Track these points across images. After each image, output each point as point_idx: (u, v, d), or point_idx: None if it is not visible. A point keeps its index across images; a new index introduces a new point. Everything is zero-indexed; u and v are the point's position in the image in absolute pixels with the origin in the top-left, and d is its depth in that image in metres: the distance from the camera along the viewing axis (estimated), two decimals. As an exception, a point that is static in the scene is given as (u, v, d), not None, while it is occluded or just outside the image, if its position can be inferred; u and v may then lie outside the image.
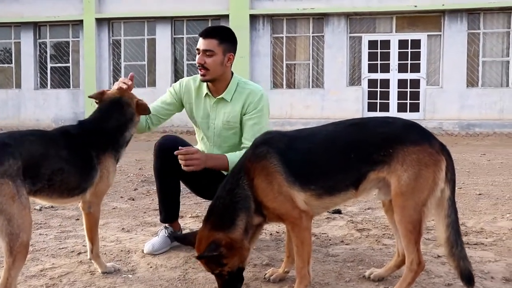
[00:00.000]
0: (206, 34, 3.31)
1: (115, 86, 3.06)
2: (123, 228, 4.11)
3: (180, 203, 3.63)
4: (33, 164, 2.38)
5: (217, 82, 3.39)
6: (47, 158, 2.49)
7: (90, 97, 3.04)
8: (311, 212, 2.55)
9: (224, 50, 3.32)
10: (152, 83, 17.30)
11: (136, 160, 8.86)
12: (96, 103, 3.01)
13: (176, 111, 3.60)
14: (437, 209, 2.51)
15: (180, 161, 3.15)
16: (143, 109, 3.06)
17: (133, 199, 5.40)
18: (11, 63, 18.70)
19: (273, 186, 2.48)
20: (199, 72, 3.33)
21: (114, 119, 2.91)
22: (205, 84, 3.45)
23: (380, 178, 2.51)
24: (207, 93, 3.45)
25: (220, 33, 3.34)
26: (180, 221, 3.72)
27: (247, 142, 3.26)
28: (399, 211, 2.45)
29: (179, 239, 2.90)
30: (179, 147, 3.14)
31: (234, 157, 3.18)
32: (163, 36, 17.45)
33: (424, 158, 2.43)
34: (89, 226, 2.92)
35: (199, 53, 3.32)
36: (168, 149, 3.31)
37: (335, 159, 2.54)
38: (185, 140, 3.47)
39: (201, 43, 3.30)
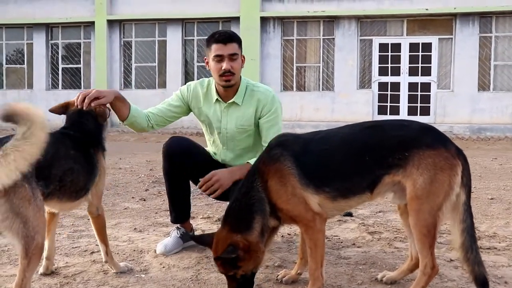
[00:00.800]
0: (228, 39, 3.28)
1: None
2: (135, 228, 4.13)
3: (192, 204, 3.64)
4: (45, 165, 2.37)
5: (231, 87, 3.39)
6: (58, 159, 2.51)
7: (51, 110, 2.97)
8: (325, 215, 2.55)
9: (241, 52, 3.37)
10: (163, 85, 17.36)
11: (147, 161, 8.92)
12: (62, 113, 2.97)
13: (183, 115, 3.58)
14: (453, 214, 2.49)
15: (205, 193, 3.25)
16: (101, 115, 3.01)
17: (144, 200, 5.42)
18: (23, 63, 18.86)
19: (286, 188, 2.48)
20: (224, 78, 3.29)
21: (91, 122, 2.91)
22: (213, 89, 3.44)
23: (395, 182, 2.50)
24: (217, 99, 3.43)
25: (237, 37, 3.36)
26: (191, 221, 3.73)
27: None
28: (414, 215, 2.44)
29: (195, 239, 2.90)
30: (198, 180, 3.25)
31: None
32: (173, 38, 17.52)
33: (440, 162, 2.42)
34: (99, 228, 2.95)
35: (220, 60, 3.28)
36: (176, 151, 3.37)
37: (350, 161, 2.53)
38: (193, 141, 3.49)
39: (225, 49, 3.26)
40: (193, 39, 17.49)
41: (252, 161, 3.16)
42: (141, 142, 14.21)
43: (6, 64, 19.07)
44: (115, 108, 3.22)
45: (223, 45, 3.26)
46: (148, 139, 14.56)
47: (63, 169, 2.52)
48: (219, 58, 3.27)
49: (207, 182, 3.19)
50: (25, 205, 2.20)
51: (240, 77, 3.44)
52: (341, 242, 3.72)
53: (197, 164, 3.41)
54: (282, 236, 3.88)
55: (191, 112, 3.61)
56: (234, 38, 3.32)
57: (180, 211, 3.52)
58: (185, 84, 3.62)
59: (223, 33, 3.32)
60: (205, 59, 3.44)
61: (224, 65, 3.26)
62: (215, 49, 3.28)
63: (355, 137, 2.59)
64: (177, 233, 3.51)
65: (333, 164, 2.54)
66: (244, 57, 3.43)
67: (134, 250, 3.48)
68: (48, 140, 2.46)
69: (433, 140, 2.49)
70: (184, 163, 3.37)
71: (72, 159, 2.60)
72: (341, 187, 2.52)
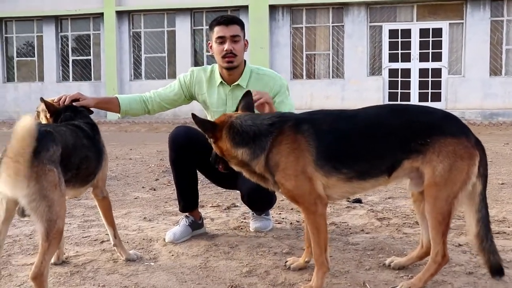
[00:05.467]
0: (229, 21, 3.36)
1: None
2: (145, 218, 4.15)
3: (201, 193, 3.70)
4: (67, 153, 2.47)
5: (235, 70, 3.43)
6: (76, 148, 2.60)
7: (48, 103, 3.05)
8: (326, 199, 2.53)
9: (243, 36, 3.42)
10: (173, 75, 17.39)
11: (157, 151, 8.99)
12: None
13: (182, 103, 3.63)
14: (468, 203, 2.51)
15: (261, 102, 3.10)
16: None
17: (154, 189, 5.44)
18: (34, 56, 18.98)
19: (298, 162, 2.46)
20: (227, 59, 3.35)
21: (88, 114, 3.08)
22: (217, 73, 3.49)
23: (413, 168, 2.49)
24: (221, 82, 3.47)
25: (239, 20, 3.43)
26: (200, 210, 3.74)
27: None
28: (431, 201, 2.44)
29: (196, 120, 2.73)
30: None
31: None
32: (182, 28, 17.52)
33: (460, 151, 2.42)
34: (105, 211, 3.02)
35: (222, 42, 3.35)
36: (181, 139, 3.40)
37: (373, 143, 2.51)
38: (198, 129, 3.51)
39: (227, 30, 3.33)
40: (202, 29, 17.47)
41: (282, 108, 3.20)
42: (152, 133, 14.27)
43: (17, 57, 19.20)
44: (103, 109, 3.49)
45: (224, 27, 3.33)
46: (159, 129, 14.62)
47: (80, 157, 2.63)
48: (221, 39, 3.34)
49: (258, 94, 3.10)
50: (52, 189, 2.27)
51: (245, 61, 3.48)
52: (350, 229, 3.72)
53: (203, 152, 3.33)
54: (291, 223, 3.91)
55: (190, 103, 3.67)
56: (236, 20, 3.39)
57: (188, 200, 3.54)
58: (194, 73, 3.67)
59: (225, 16, 3.41)
60: (209, 43, 3.50)
61: (226, 46, 3.32)
62: (217, 31, 3.36)
63: (381, 118, 2.56)
64: (186, 221, 3.54)
65: (357, 145, 2.52)
66: (247, 41, 3.49)
67: (144, 239, 3.51)
68: (65, 131, 2.61)
69: (456, 129, 2.49)
70: (190, 152, 3.39)
71: (86, 147, 2.70)
72: (360, 169, 2.51)
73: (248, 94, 2.83)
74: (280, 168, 2.47)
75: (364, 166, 2.51)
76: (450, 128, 2.47)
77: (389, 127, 2.51)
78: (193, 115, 2.59)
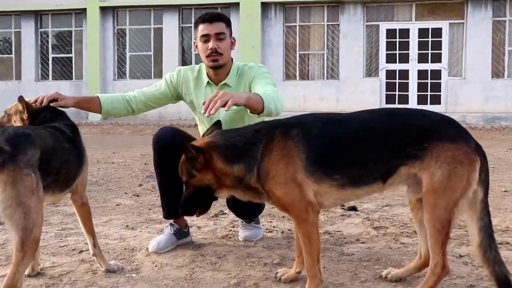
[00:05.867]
0: (213, 18, 3.36)
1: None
2: (127, 225, 4.11)
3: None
4: (46, 157, 2.45)
5: (221, 69, 3.42)
6: (56, 151, 2.58)
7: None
8: (318, 207, 2.53)
9: (230, 33, 3.42)
10: (159, 74, 17.33)
11: (141, 154, 8.96)
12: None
13: (168, 102, 3.62)
14: (470, 211, 2.50)
15: (211, 112, 2.77)
16: None
17: (137, 195, 5.40)
18: (11, 53, 18.87)
19: (287, 169, 2.46)
20: (212, 58, 3.34)
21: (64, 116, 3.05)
22: (204, 72, 3.48)
23: (410, 174, 2.49)
24: (208, 82, 3.47)
25: (224, 17, 3.44)
26: (186, 217, 3.68)
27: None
28: (429, 209, 2.44)
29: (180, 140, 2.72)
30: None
31: (266, 96, 2.94)
32: (170, 25, 17.49)
33: (459, 156, 2.42)
34: (85, 218, 2.97)
35: (206, 40, 3.35)
36: (166, 141, 3.33)
37: (367, 148, 2.51)
38: (184, 130, 3.48)
39: (211, 28, 3.34)
40: (191, 27, 17.45)
41: (263, 95, 2.92)
42: (136, 135, 14.21)
43: (-7, 54, 19.07)
44: (84, 109, 3.48)
45: (209, 24, 3.33)
46: (144, 132, 14.55)
47: (60, 162, 2.60)
48: (206, 38, 3.35)
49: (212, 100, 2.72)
50: (29, 195, 2.24)
51: (232, 59, 3.48)
52: (344, 238, 3.70)
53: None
54: (282, 232, 3.88)
55: (176, 102, 3.66)
56: (221, 17, 3.40)
57: (172, 206, 3.45)
58: (181, 73, 3.67)
59: (209, 13, 3.43)
60: (195, 42, 3.50)
61: (211, 44, 3.32)
62: (201, 29, 3.36)
63: (375, 122, 2.57)
64: (171, 230, 3.50)
65: (349, 150, 2.52)
66: (234, 39, 3.50)
67: (125, 249, 3.46)
68: (44, 133, 2.58)
69: (455, 133, 2.49)
70: (176, 154, 3.17)
71: (66, 151, 2.68)
72: (353, 175, 2.51)
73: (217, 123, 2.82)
74: (270, 176, 2.48)
75: (357, 172, 2.51)
76: (448, 132, 2.48)
77: (384, 131, 2.51)
78: (180, 141, 2.61)
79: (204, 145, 2.56)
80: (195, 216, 2.77)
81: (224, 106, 2.62)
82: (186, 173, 2.61)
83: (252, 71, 3.42)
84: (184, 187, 2.67)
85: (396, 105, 15.54)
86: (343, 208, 4.53)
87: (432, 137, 2.45)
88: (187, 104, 3.62)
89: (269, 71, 3.49)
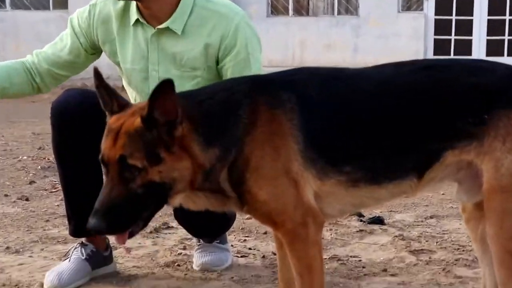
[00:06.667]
0: None
1: None
2: (7, 247, 3.54)
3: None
4: None
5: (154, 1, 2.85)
6: None
7: None
8: (321, 217, 2.13)
9: None
10: (62, 3, 13.82)
11: (33, 133, 7.99)
12: None
13: (86, 62, 3.05)
14: None
15: None
16: None
17: (27, 199, 4.69)
18: None
19: (278, 155, 2.07)
20: None
21: None
22: (133, 5, 2.87)
23: (462, 164, 2.13)
24: (138, 20, 2.85)
25: None
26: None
27: None
28: (494, 219, 2.08)
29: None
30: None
31: None
32: None
33: None
34: None
35: None
36: (72, 112, 2.84)
37: (391, 123, 2.15)
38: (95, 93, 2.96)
39: None
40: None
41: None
42: (26, 102, 12.12)
43: None
44: None
45: None
46: (39, 98, 12.67)
47: None
48: None
49: None
50: None
51: None
52: (363, 267, 3.24)
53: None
54: (263, 256, 3.38)
55: (98, 58, 3.11)
56: None
57: (84, 216, 2.66)
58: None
59: None
60: None
61: None
62: None
63: (403, 83, 2.19)
64: (82, 253, 3.03)
65: (362, 126, 2.17)
66: None
67: (5, 285, 3.00)
68: None
69: None
70: (87, 130, 2.75)
71: None
72: (370, 166, 2.14)
73: None
74: (251, 167, 2.08)
75: (377, 161, 2.18)
76: None
77: (418, 95, 2.17)
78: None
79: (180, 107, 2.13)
80: (126, 235, 2.08)
81: None
82: (142, 155, 2.00)
83: (222, 29, 2.82)
84: (108, 183, 2.04)
85: (452, 57, 11.91)
86: (361, 220, 4.00)
87: (496, 104, 2.10)
88: (109, 57, 3.04)
89: (250, 28, 2.85)
